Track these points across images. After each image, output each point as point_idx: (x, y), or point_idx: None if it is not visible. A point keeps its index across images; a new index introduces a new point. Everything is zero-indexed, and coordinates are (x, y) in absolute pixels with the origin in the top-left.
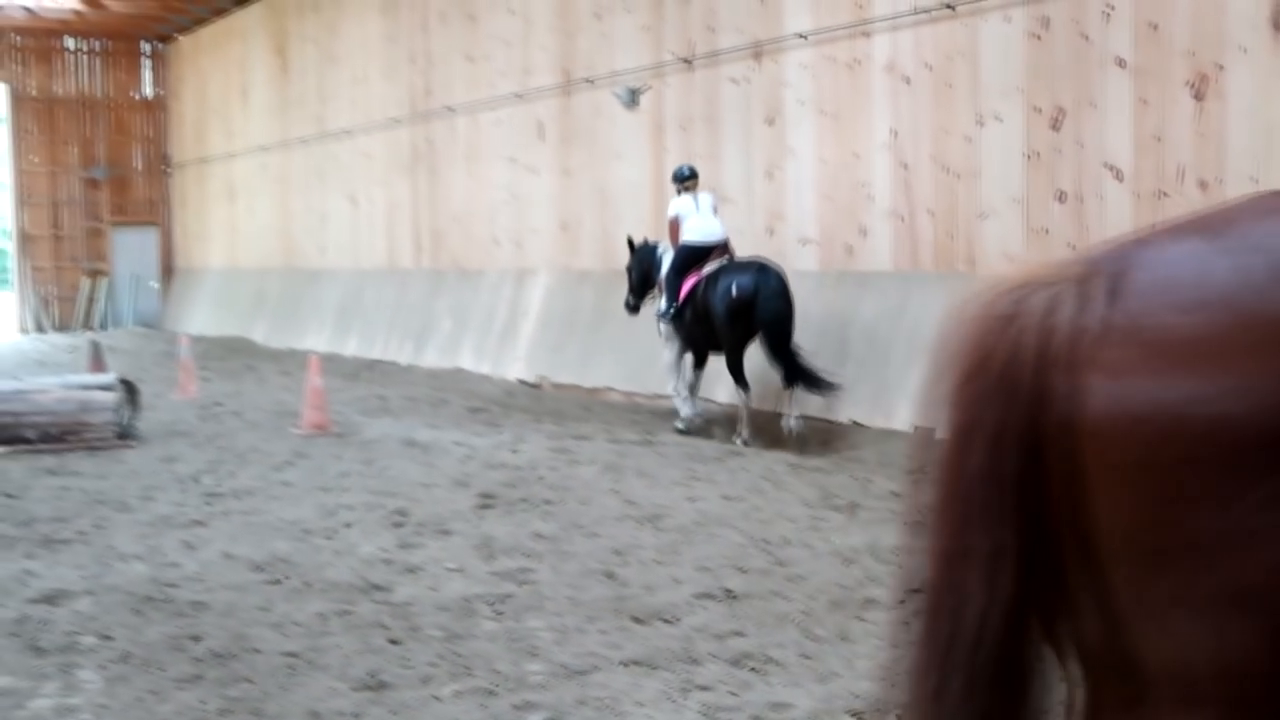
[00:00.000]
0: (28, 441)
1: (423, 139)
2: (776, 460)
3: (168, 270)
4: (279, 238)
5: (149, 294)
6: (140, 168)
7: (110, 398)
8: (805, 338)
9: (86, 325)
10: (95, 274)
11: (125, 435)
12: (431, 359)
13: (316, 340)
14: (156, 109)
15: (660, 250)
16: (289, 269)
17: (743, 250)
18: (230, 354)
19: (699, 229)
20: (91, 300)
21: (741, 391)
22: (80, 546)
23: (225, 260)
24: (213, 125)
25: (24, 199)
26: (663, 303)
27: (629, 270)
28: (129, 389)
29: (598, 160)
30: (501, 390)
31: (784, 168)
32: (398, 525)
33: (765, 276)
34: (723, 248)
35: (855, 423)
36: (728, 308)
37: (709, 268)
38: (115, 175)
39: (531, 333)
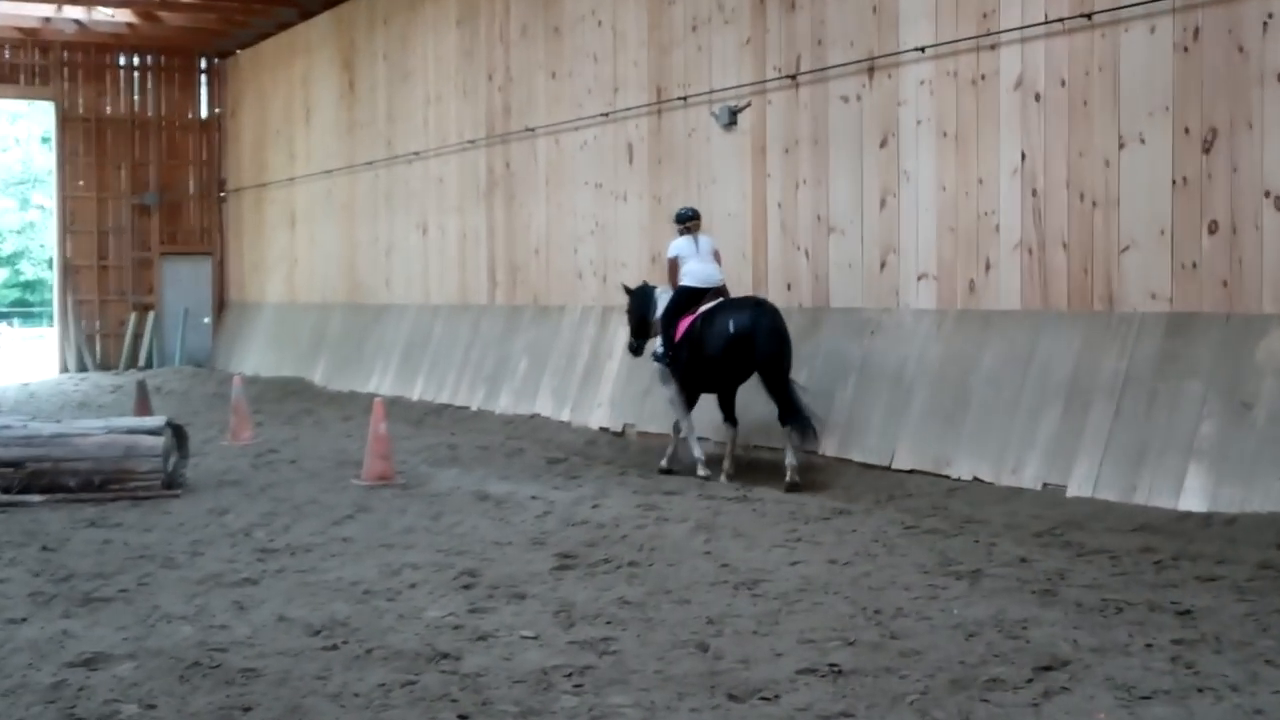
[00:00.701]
0: (67, 490)
1: (500, 163)
2: (888, 521)
3: (221, 304)
4: (342, 269)
5: (200, 330)
6: (193, 193)
7: (157, 443)
8: (921, 384)
9: (132, 364)
10: (143, 308)
11: (172, 484)
12: (506, 403)
13: (381, 382)
14: (212, 129)
15: (658, 292)
16: (352, 304)
17: (850, 287)
18: (287, 396)
19: (697, 273)
20: (138, 336)
21: (730, 428)
22: (122, 606)
23: (283, 294)
24: (273, 147)
25: (69, 226)
26: (658, 345)
27: (629, 313)
28: (177, 434)
29: (692, 186)
30: (582, 439)
31: (899, 194)
32: (468, 587)
33: (761, 313)
34: (719, 293)
35: (977, 479)
36: (725, 344)
37: (705, 306)
38: (167, 201)
39: (616, 375)
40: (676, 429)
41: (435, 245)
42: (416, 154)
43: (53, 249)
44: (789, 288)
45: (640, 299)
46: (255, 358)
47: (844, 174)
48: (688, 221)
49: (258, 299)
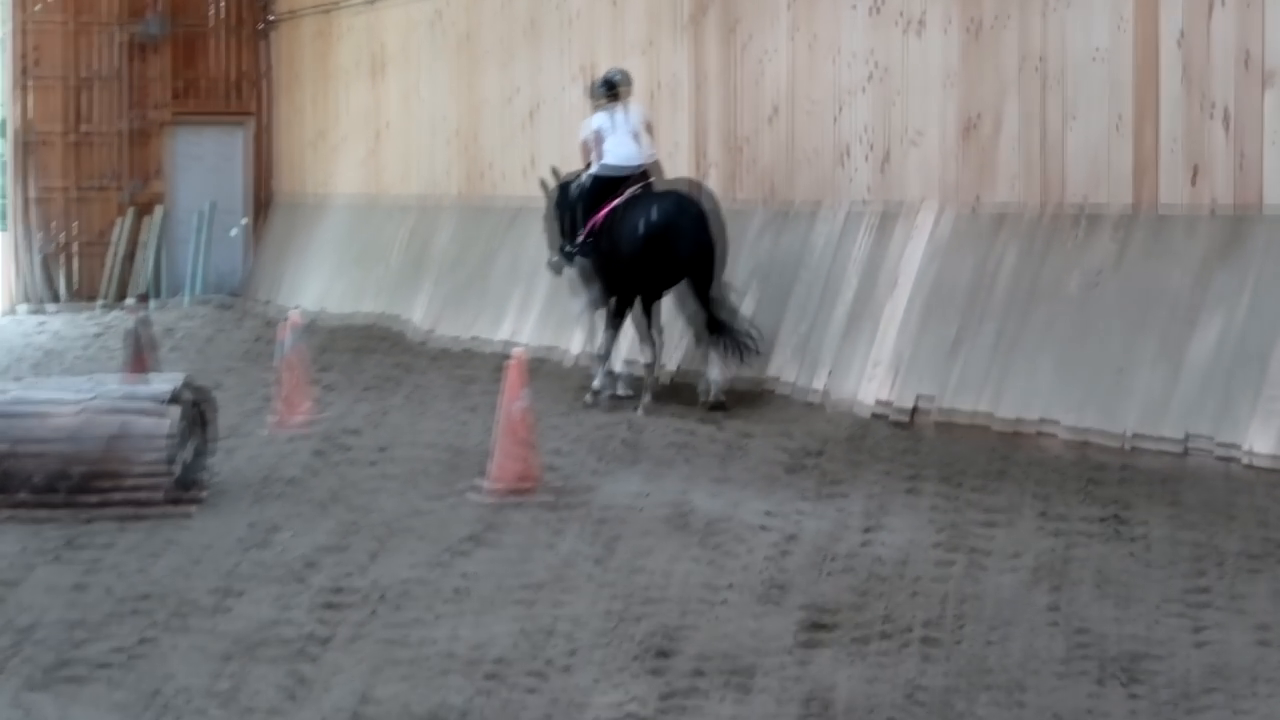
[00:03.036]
0: (28, 491)
1: None
2: None
3: (262, 200)
4: (457, 145)
5: (231, 242)
6: (220, 19)
7: (162, 422)
8: None
9: (123, 294)
10: (142, 206)
11: (188, 488)
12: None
13: (518, 328)
14: None
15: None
16: (473, 201)
17: None
18: (368, 349)
19: (610, 152)
20: (133, 251)
21: (648, 348)
22: (112, 681)
23: (362, 184)
24: None
25: (26, 74)
26: (567, 242)
27: (555, 213)
28: (196, 407)
29: (1033, 5)
30: (845, 424)
31: None
32: (657, 666)
33: (685, 204)
34: (643, 175)
35: None
36: (639, 242)
37: (622, 198)
38: (179, 33)
39: (902, 320)
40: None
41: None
42: None
43: (4, 108)
44: (1194, 176)
45: (570, 192)
46: (317, 286)
47: None
48: (613, 89)
49: (321, 191)
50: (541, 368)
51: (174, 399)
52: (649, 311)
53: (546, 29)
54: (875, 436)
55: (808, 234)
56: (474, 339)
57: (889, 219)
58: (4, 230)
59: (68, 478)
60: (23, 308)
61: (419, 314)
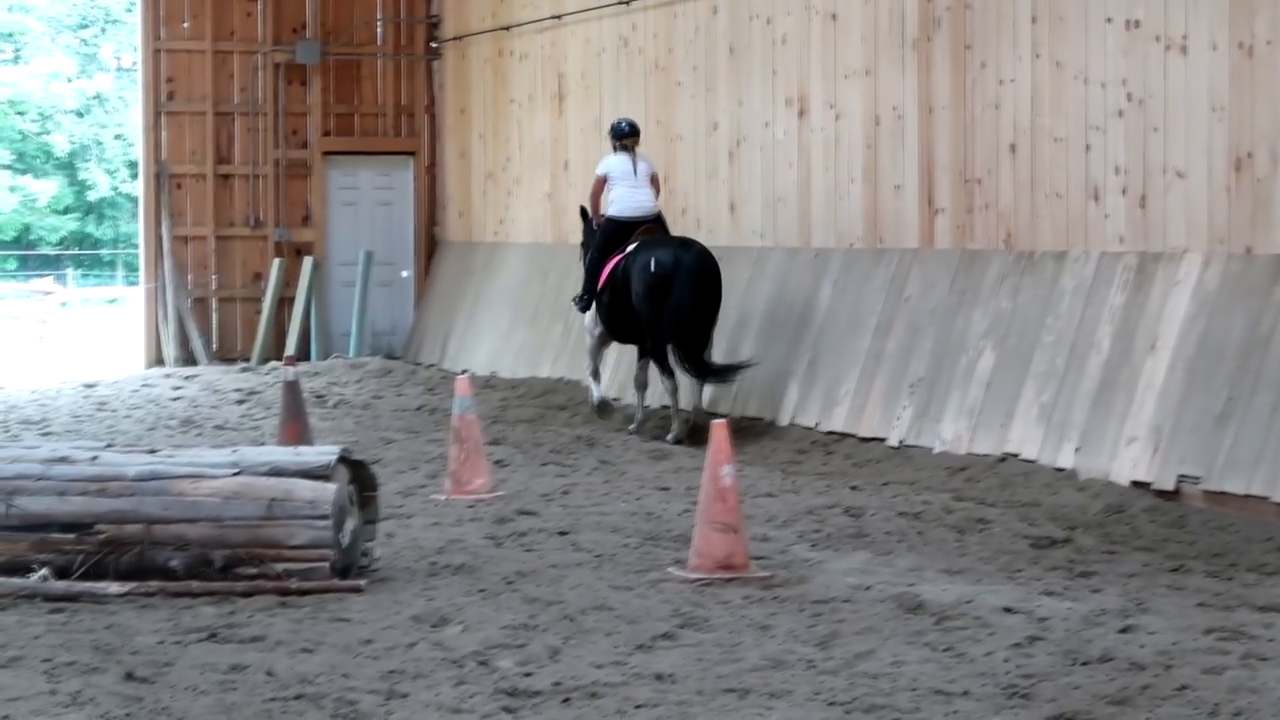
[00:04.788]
0: (167, 574)
1: None
2: None
3: (430, 244)
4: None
5: (395, 291)
6: (381, 43)
7: (324, 495)
8: None
9: (274, 351)
10: (294, 251)
11: (350, 569)
12: (953, 433)
13: (719, 389)
14: None
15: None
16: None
17: None
18: (551, 411)
19: (626, 200)
20: (284, 303)
21: (669, 381)
22: None
23: (539, 229)
24: None
25: (162, 103)
26: (581, 289)
27: (584, 247)
28: (357, 479)
29: None
30: (1099, 502)
31: None
32: None
33: (686, 253)
34: (654, 225)
35: None
36: (646, 285)
37: (631, 245)
38: (332, 58)
39: (1162, 386)
40: (640, 385)
41: (821, 138)
42: None
43: (135, 144)
44: None
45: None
46: (489, 346)
47: None
48: (625, 138)
49: (496, 236)
50: (746, 435)
51: (334, 468)
52: (663, 351)
53: (750, 54)
54: (1132, 518)
55: (1052, 285)
56: (665, 407)
57: (1147, 268)
58: (136, 283)
59: (215, 556)
60: (156, 371)
61: (604, 377)
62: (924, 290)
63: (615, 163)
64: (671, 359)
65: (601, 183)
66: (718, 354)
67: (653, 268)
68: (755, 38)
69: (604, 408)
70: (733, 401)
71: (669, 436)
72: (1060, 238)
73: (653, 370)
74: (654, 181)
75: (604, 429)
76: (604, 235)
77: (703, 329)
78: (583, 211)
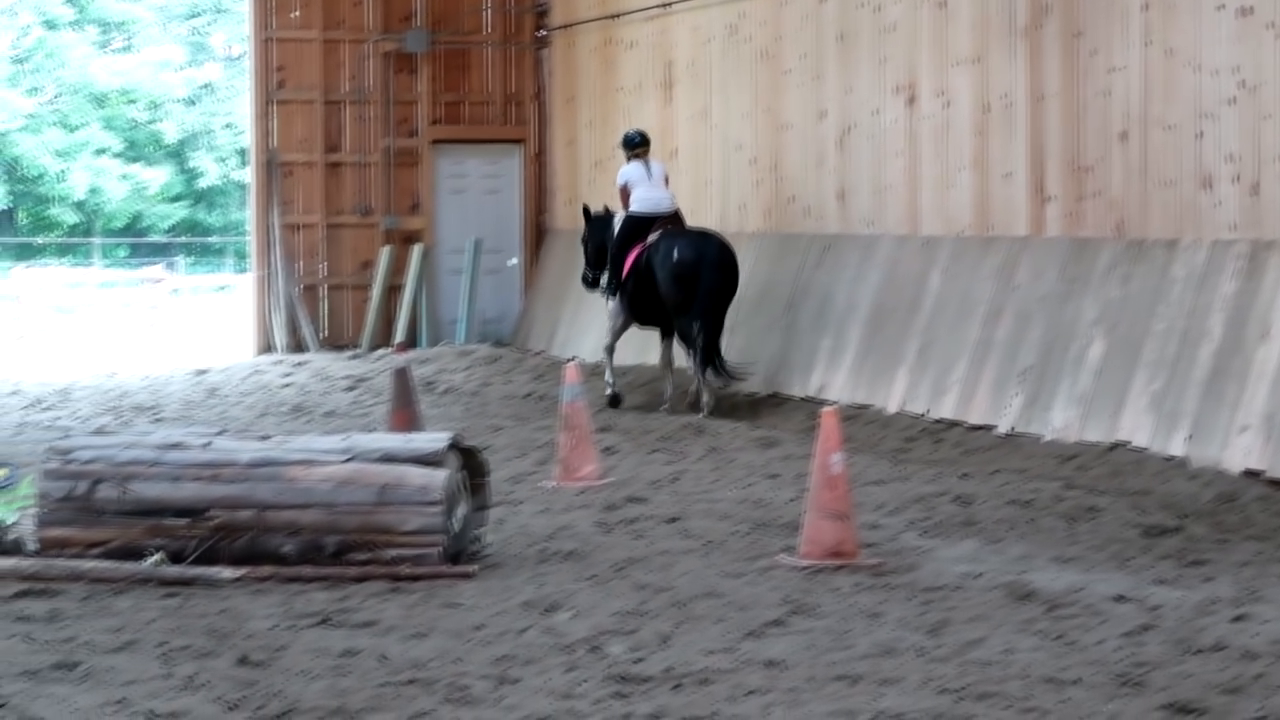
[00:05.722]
0: (279, 560)
1: None
2: None
3: (537, 232)
4: (757, 171)
5: (504, 279)
6: (490, 30)
7: (434, 482)
8: None
9: (383, 339)
10: (402, 239)
11: (461, 555)
12: (1062, 421)
13: (829, 377)
14: None
15: (617, 219)
16: (776, 233)
17: None
18: (656, 403)
19: (646, 199)
20: (393, 291)
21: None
22: None
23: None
24: None
25: (272, 92)
26: (605, 277)
27: (583, 243)
28: (468, 466)
29: None
30: (1211, 491)
31: None
32: None
33: (707, 244)
34: (671, 219)
35: None
36: (671, 273)
37: (652, 236)
38: (441, 46)
39: (1275, 375)
40: (666, 365)
41: (930, 126)
42: None
43: (245, 132)
44: None
45: (599, 227)
46: (598, 333)
47: None
48: (636, 147)
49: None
50: (855, 422)
51: (444, 455)
52: (687, 332)
53: (859, 41)
54: (1243, 506)
55: (1163, 274)
56: (775, 394)
57: (1259, 257)
58: (246, 270)
59: (327, 542)
60: (266, 358)
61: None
62: (1034, 278)
63: (632, 170)
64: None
65: (625, 190)
66: (818, 338)
67: (676, 256)
68: (864, 25)
69: (615, 400)
70: (840, 388)
71: (702, 411)
72: (1171, 226)
73: (677, 349)
74: (666, 181)
75: (714, 415)
76: (625, 229)
77: (721, 311)
78: (585, 210)
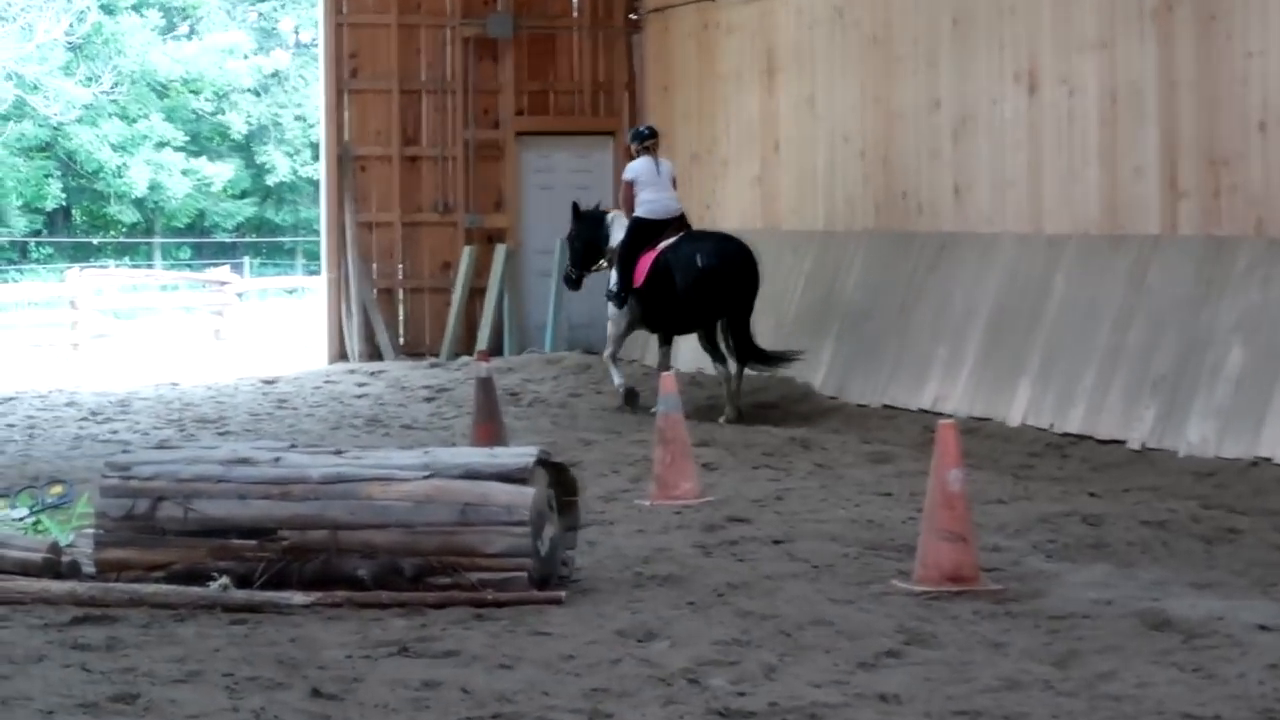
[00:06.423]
0: (354, 584)
1: None
2: None
3: None
4: (867, 164)
5: (594, 281)
6: (578, 14)
7: (521, 500)
8: None
9: (465, 346)
10: (485, 238)
11: (549, 579)
12: (1200, 436)
13: (947, 388)
14: None
15: (610, 218)
16: (887, 232)
17: None
18: (759, 416)
19: (654, 203)
20: (476, 295)
21: (721, 367)
22: None
23: (749, 213)
24: None
25: (342, 83)
26: (613, 281)
27: (570, 240)
28: (557, 483)
29: None
30: None
31: None
32: None
33: (729, 245)
34: (678, 223)
35: None
36: (694, 278)
37: (667, 241)
38: (526, 31)
39: None
40: (662, 367)
41: (1053, 116)
42: None
43: (317, 124)
44: None
45: (589, 225)
46: (694, 341)
47: None
48: (645, 141)
49: (702, 221)
50: (974, 437)
51: (531, 472)
52: (713, 337)
53: (975, 25)
54: None
55: None
56: (888, 404)
57: None
58: (318, 273)
59: (405, 565)
60: (339, 367)
61: (820, 374)
62: (1167, 280)
63: (640, 166)
64: (720, 343)
65: (630, 187)
66: (967, 343)
67: (700, 261)
68: (981, 8)
69: (631, 396)
70: (958, 400)
71: (722, 418)
72: None
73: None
74: (674, 182)
75: (821, 429)
76: (633, 234)
77: (747, 312)
78: (574, 207)
